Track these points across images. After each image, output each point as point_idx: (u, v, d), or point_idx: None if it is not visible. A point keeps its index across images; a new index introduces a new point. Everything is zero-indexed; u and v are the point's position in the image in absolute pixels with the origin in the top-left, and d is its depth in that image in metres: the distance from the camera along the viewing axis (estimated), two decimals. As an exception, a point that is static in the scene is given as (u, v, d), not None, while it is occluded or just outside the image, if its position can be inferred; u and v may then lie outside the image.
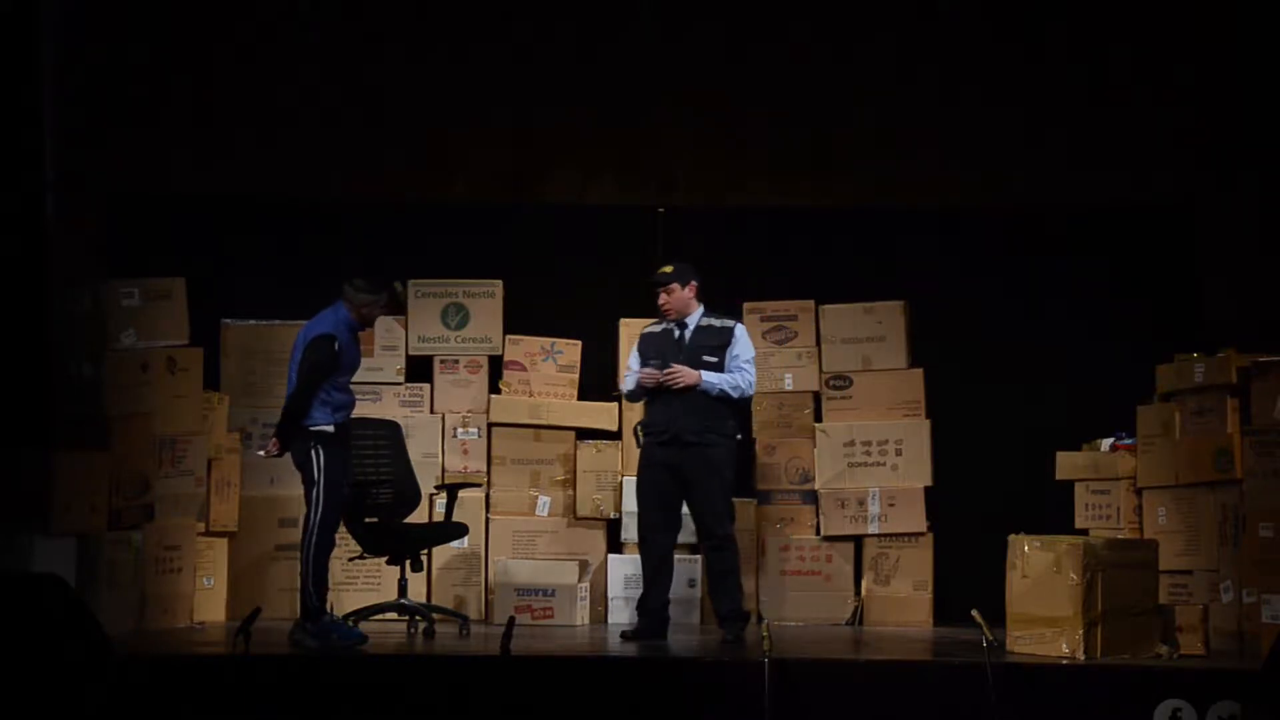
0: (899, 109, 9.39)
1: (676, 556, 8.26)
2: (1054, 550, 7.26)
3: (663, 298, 8.10)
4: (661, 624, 8.01)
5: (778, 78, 9.39)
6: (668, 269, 8.13)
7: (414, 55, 9.38)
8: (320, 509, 7.46)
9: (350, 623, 7.91)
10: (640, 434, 8.14)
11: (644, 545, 8.11)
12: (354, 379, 7.95)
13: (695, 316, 8.13)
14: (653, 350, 8.11)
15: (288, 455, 7.58)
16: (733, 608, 7.95)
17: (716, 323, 8.13)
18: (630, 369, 8.23)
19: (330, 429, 7.49)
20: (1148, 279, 9.19)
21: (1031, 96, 9.29)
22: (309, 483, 7.48)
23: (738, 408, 8.14)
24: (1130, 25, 9.26)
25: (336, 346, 7.49)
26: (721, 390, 7.97)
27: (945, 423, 9.08)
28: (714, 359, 8.02)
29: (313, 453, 7.47)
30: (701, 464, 7.92)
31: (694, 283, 8.12)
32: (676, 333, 8.11)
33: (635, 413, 8.91)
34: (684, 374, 7.93)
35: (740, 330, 8.16)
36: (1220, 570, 7.96)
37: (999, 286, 9.27)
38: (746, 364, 8.08)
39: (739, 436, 8.16)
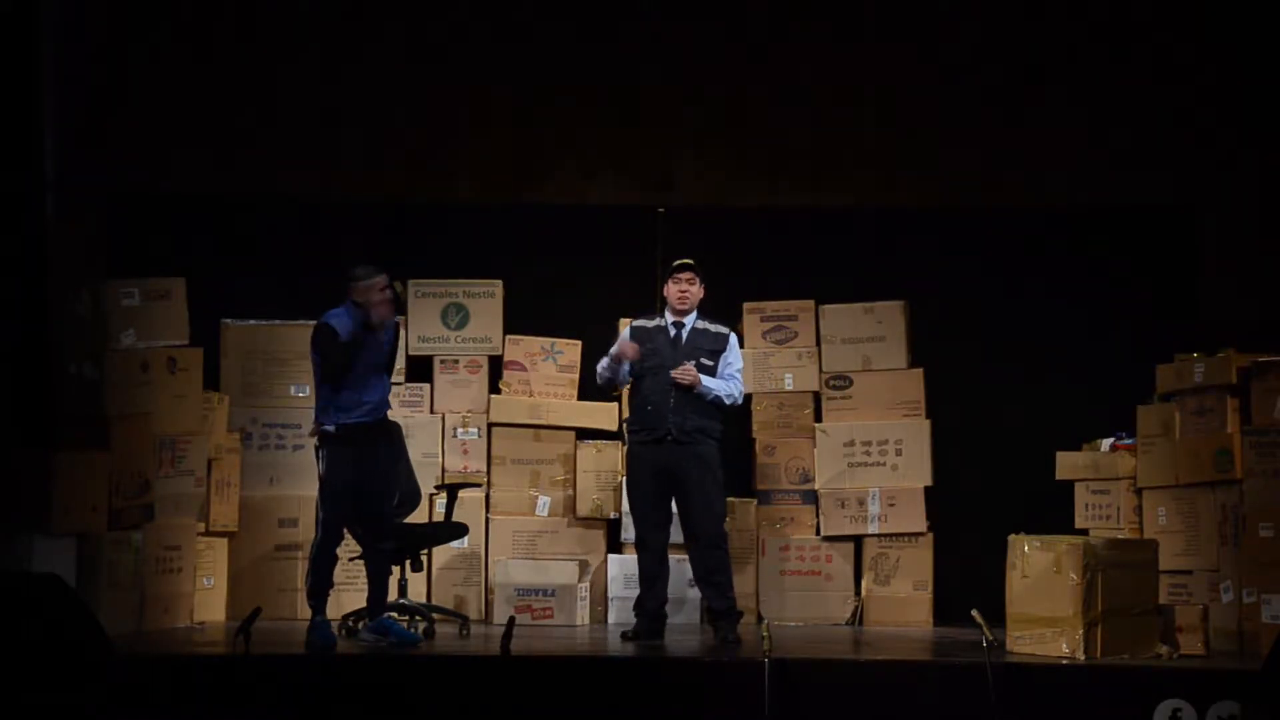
0: (898, 109, 9.40)
1: (674, 557, 8.25)
2: (1054, 550, 7.26)
3: (685, 286, 8.07)
4: (660, 624, 8.01)
5: (778, 77, 9.40)
6: (688, 260, 8.12)
7: (414, 55, 9.38)
8: (320, 510, 7.50)
9: (351, 622, 7.95)
10: (626, 432, 8.14)
11: (642, 546, 8.09)
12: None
13: (692, 317, 8.13)
14: (652, 345, 8.09)
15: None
16: (727, 605, 7.95)
17: (712, 328, 8.13)
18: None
19: (332, 429, 7.49)
20: (1148, 279, 9.20)
21: (1030, 97, 9.29)
22: (318, 485, 7.51)
23: (724, 413, 8.14)
24: (1130, 26, 9.27)
25: (337, 337, 7.44)
26: (717, 396, 7.98)
27: (945, 423, 9.08)
28: (711, 363, 8.02)
29: (317, 453, 7.53)
30: (695, 463, 7.91)
31: (703, 285, 8.13)
32: (672, 331, 8.10)
33: (635, 412, 8.95)
34: (691, 373, 7.93)
35: (734, 338, 8.19)
36: (1220, 570, 7.96)
37: (999, 286, 9.27)
38: (739, 373, 8.12)
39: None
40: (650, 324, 8.16)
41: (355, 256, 9.10)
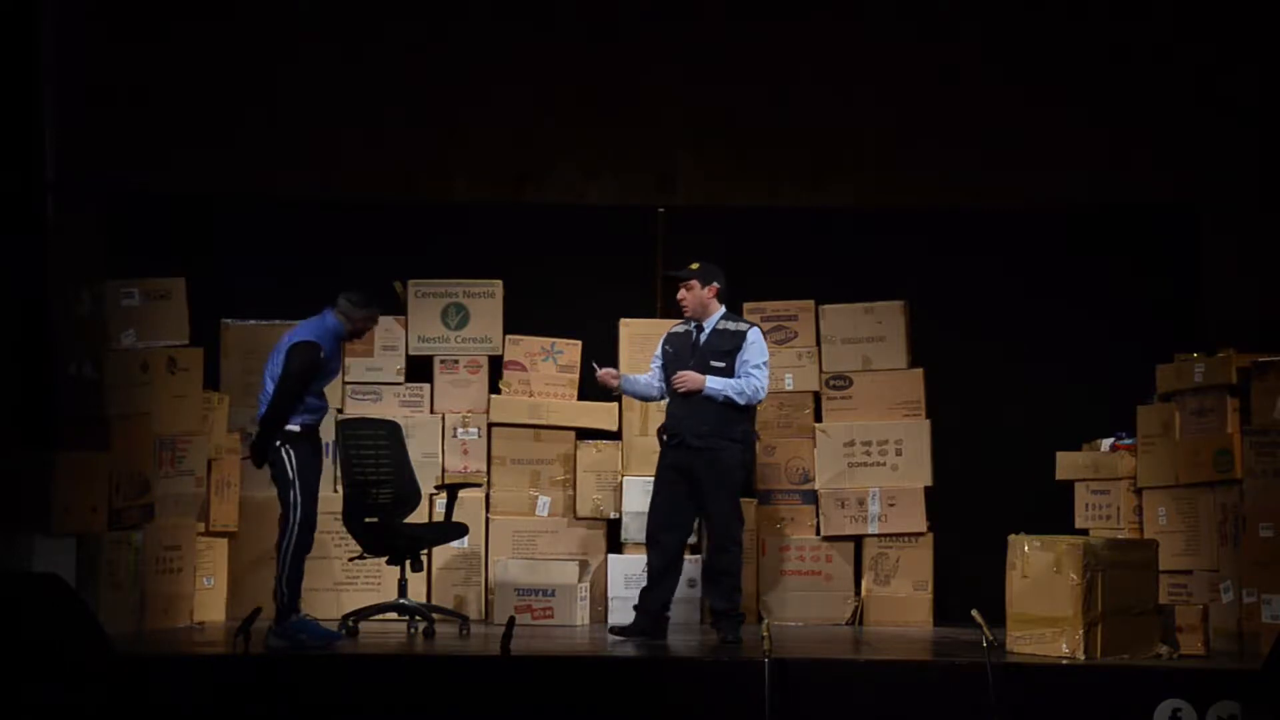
0: (898, 109, 9.40)
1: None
2: (1054, 550, 7.26)
3: (681, 293, 8.09)
4: (660, 624, 8.00)
5: (778, 77, 9.41)
6: (694, 266, 8.11)
7: (414, 55, 9.39)
8: (299, 510, 7.39)
9: (350, 622, 7.94)
10: (661, 437, 8.16)
11: (653, 544, 8.05)
12: (355, 380, 7.94)
13: (713, 319, 8.10)
14: (673, 350, 8.12)
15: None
16: (727, 607, 7.93)
17: (732, 326, 8.10)
18: (652, 368, 8.24)
19: (298, 429, 7.45)
20: (1148, 279, 9.20)
21: (1031, 97, 9.30)
22: (284, 484, 7.42)
23: (748, 412, 8.14)
24: (1130, 26, 9.28)
25: (321, 354, 7.47)
26: (726, 396, 7.93)
27: (945, 423, 9.08)
28: (721, 364, 7.98)
29: (283, 452, 7.42)
30: (709, 468, 7.90)
31: (715, 285, 8.08)
32: (694, 335, 8.10)
33: (636, 413, 8.98)
34: (688, 379, 7.92)
35: (754, 334, 8.09)
36: (1220, 570, 7.96)
37: (999, 286, 9.27)
38: (755, 369, 8.01)
39: (752, 440, 8.19)
40: (680, 330, 8.19)
41: (355, 256, 9.15)
